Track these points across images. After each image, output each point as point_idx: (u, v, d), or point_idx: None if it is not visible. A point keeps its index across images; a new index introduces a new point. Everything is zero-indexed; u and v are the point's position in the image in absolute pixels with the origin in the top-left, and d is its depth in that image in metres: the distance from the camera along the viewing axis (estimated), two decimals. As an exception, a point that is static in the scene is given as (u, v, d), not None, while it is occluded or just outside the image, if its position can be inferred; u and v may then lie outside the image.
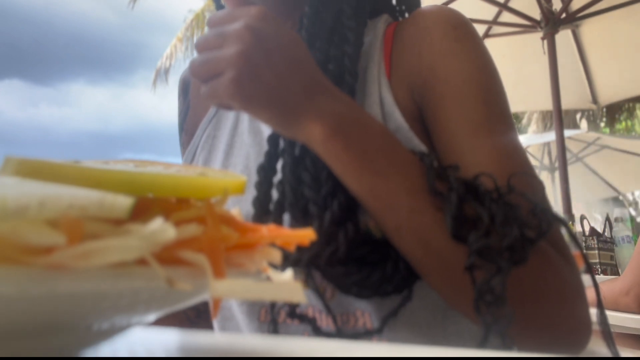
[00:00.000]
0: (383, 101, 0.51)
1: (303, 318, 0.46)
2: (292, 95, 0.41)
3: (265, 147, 0.54)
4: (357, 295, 0.44)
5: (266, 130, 0.57)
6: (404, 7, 0.63)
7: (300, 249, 0.41)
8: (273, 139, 0.49)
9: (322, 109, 0.41)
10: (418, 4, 0.62)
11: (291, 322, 0.50)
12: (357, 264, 0.43)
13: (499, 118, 0.48)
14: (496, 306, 0.35)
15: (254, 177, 0.53)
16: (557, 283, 0.42)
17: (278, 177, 0.48)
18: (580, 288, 0.44)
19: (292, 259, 0.42)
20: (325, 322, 0.49)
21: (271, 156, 0.49)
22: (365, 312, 0.48)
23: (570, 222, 2.24)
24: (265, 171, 0.48)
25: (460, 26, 0.51)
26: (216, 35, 0.41)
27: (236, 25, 0.40)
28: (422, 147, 0.48)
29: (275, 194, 0.47)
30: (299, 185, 0.45)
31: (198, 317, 0.64)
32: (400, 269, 0.42)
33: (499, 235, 0.37)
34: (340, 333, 0.47)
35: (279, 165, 0.49)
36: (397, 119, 0.50)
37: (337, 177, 0.43)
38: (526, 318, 0.41)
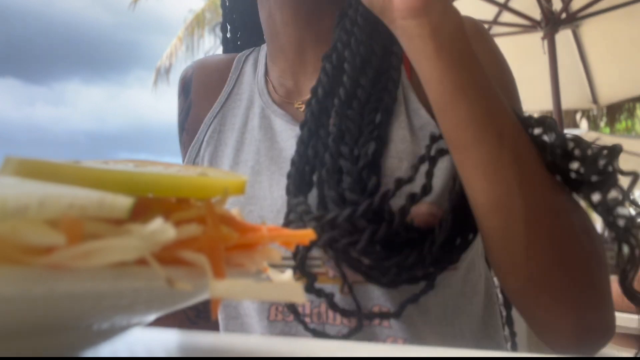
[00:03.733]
0: (407, 99, 0.53)
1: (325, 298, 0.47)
2: None
3: (276, 141, 0.56)
4: (384, 284, 0.45)
5: (277, 125, 0.57)
6: None
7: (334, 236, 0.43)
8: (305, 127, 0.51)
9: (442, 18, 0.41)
10: None
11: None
12: (389, 250, 0.44)
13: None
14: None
15: (265, 173, 0.54)
16: (588, 249, 0.42)
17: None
18: (606, 267, 0.44)
19: (324, 239, 0.43)
20: (339, 319, 0.49)
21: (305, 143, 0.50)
22: (383, 308, 0.48)
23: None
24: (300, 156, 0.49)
25: (489, 38, 0.55)
26: None
27: None
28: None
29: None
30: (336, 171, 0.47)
31: (198, 317, 0.64)
32: (431, 255, 0.44)
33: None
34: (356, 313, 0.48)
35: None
36: (423, 115, 0.52)
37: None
38: (555, 273, 0.41)
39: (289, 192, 0.49)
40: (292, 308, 0.49)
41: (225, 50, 0.71)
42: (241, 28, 0.71)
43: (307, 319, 0.50)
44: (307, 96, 0.53)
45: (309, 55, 0.58)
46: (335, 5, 0.56)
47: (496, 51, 0.55)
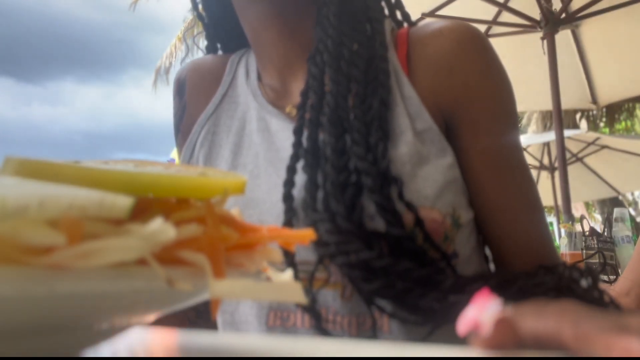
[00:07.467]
0: (404, 94, 0.53)
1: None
2: None
3: (272, 142, 0.56)
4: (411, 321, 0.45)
5: (273, 126, 0.57)
6: (400, 17, 0.64)
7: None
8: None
9: None
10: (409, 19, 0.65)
11: (301, 326, 0.50)
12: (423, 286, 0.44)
13: (518, 140, 0.55)
14: None
15: (263, 176, 0.54)
16: None
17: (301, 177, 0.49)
18: None
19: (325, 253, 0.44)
20: (339, 325, 0.49)
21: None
22: (383, 313, 0.48)
23: (570, 222, 2.24)
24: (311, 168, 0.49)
25: (486, 46, 0.55)
26: None
27: None
28: (449, 149, 0.51)
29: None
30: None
31: (198, 317, 0.64)
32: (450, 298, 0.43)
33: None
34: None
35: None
36: (427, 119, 0.52)
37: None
38: None
39: (286, 198, 0.49)
40: (313, 313, 0.48)
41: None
42: (222, 37, 0.71)
43: (306, 325, 0.50)
44: (298, 100, 0.54)
45: (297, 60, 0.58)
46: (314, 4, 0.57)
47: (492, 63, 0.54)
